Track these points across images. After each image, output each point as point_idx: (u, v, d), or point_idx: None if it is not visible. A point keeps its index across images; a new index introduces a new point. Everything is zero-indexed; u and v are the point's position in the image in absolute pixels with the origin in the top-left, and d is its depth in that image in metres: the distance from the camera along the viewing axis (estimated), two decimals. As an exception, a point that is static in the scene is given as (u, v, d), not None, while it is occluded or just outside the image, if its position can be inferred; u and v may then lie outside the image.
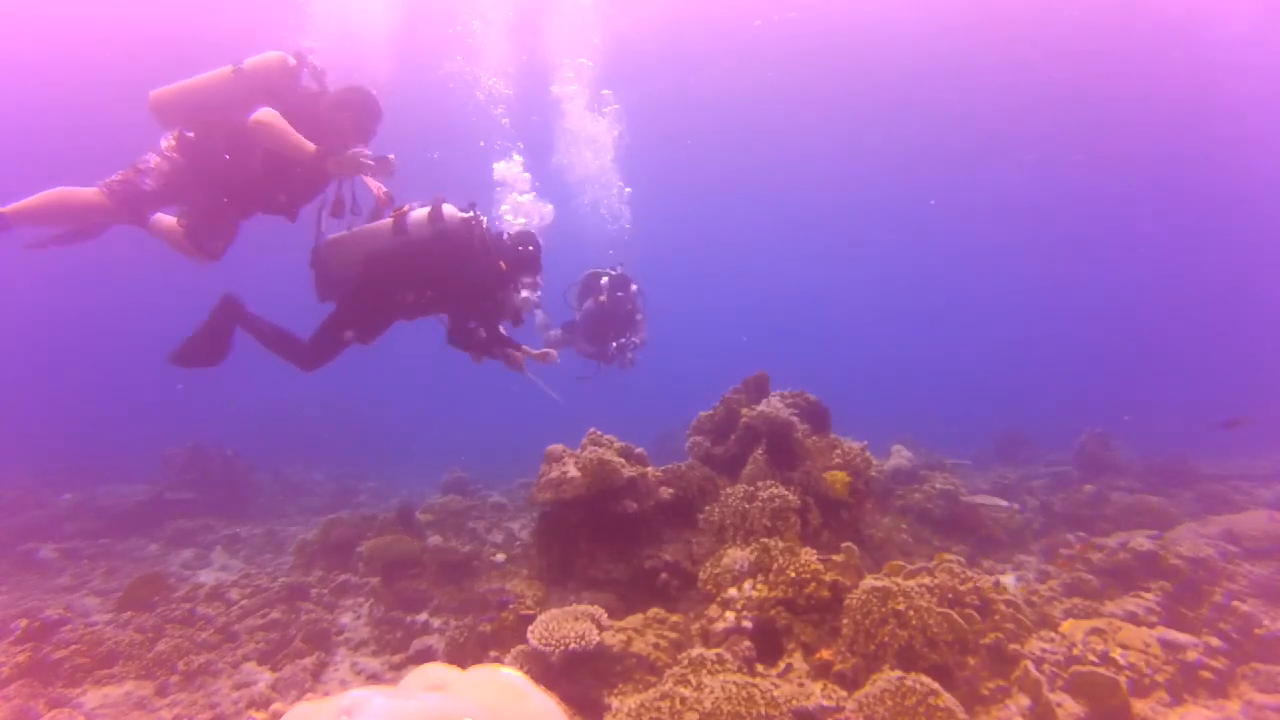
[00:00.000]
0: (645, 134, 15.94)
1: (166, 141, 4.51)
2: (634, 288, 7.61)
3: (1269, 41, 14.12)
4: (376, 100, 4.72)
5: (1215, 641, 4.00)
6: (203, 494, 10.40)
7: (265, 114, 4.16)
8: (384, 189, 4.97)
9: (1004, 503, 7.64)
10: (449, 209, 4.74)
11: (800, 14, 14.12)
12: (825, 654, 3.50)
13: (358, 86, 4.71)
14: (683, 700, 2.79)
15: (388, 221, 4.75)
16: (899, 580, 3.68)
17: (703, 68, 16.11)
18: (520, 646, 3.81)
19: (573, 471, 4.85)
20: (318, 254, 4.91)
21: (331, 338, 4.89)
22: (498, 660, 3.98)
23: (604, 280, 7.55)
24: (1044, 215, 26.87)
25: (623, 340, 7.52)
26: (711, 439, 5.95)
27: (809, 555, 3.95)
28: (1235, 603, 4.35)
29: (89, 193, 4.36)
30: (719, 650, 3.48)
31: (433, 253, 4.70)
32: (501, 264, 4.88)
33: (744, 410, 5.77)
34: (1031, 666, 3.43)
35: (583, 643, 3.51)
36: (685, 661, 3.37)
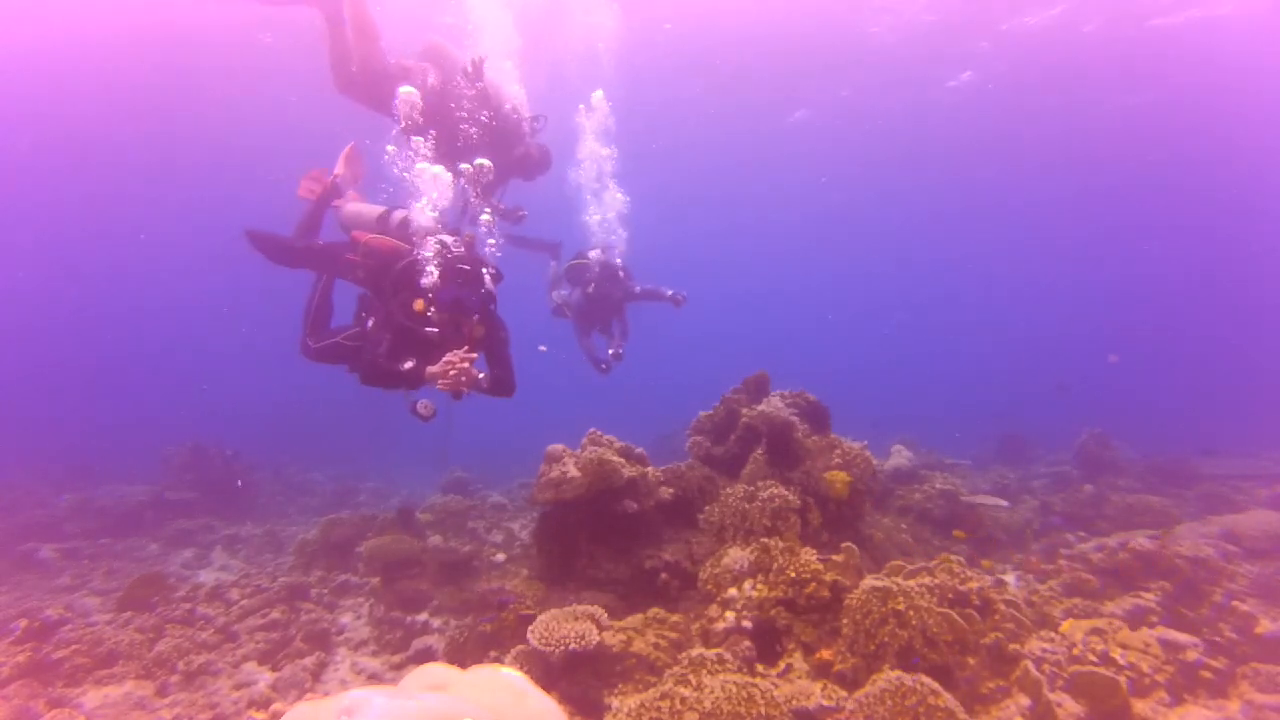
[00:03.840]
0: (644, 131, 15.98)
1: (433, 77, 5.27)
2: (619, 267, 7.26)
3: (1268, 39, 14.12)
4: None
5: (1215, 641, 4.00)
6: (203, 494, 10.40)
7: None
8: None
9: (1004, 503, 7.63)
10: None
11: (797, 14, 14.13)
12: (825, 654, 3.50)
13: None
14: (683, 700, 2.79)
15: None
16: (899, 580, 3.68)
17: (703, 66, 16.10)
18: (520, 646, 3.82)
19: (573, 471, 4.85)
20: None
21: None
22: (498, 660, 3.98)
23: (591, 255, 7.22)
24: (1045, 215, 26.89)
25: (619, 351, 7.33)
26: (711, 439, 5.96)
27: (809, 555, 3.95)
28: (1235, 603, 4.35)
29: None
30: (719, 650, 3.48)
31: None
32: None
33: (744, 410, 5.78)
34: (1031, 666, 3.43)
35: (583, 643, 3.51)
36: (685, 661, 3.37)
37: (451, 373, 3.93)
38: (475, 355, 4.05)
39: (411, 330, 4.14)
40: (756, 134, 19.89)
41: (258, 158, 19.90)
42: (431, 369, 4.00)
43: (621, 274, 7.28)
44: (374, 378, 4.23)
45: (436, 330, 4.12)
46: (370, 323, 4.52)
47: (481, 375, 4.20)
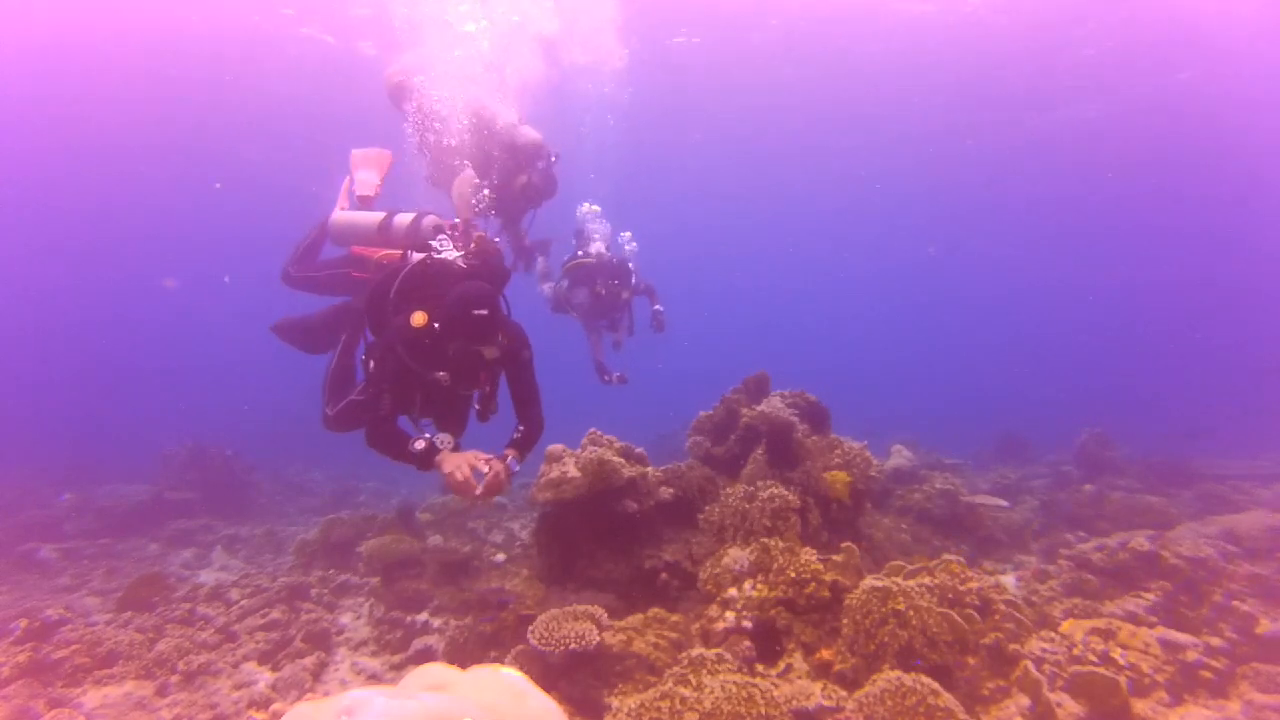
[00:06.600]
0: (644, 129, 15.97)
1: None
2: (632, 272, 7.10)
3: (1270, 41, 14.13)
4: None
5: (1215, 641, 4.00)
6: (203, 494, 10.40)
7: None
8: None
9: (1004, 503, 7.63)
10: None
11: (800, 14, 14.13)
12: (825, 654, 3.50)
13: None
14: (683, 700, 2.79)
15: None
16: (899, 580, 3.67)
17: (703, 66, 16.10)
18: (520, 646, 3.82)
19: (573, 471, 4.85)
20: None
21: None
22: (498, 660, 3.98)
23: (593, 250, 7.05)
24: (1045, 215, 26.92)
25: (624, 375, 7.29)
26: (711, 439, 5.96)
27: (809, 555, 3.95)
28: (1235, 603, 4.35)
29: None
30: (719, 650, 3.48)
31: None
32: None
33: (744, 410, 5.78)
34: (1031, 666, 3.43)
35: (583, 643, 3.51)
36: (685, 661, 3.37)
37: (462, 481, 3.36)
38: (495, 493, 3.52)
39: (416, 373, 3.54)
40: (755, 133, 19.88)
41: (262, 159, 19.94)
42: (445, 467, 3.40)
43: (628, 268, 7.10)
44: (378, 442, 3.58)
45: (445, 375, 3.51)
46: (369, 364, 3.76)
47: (504, 459, 3.60)
